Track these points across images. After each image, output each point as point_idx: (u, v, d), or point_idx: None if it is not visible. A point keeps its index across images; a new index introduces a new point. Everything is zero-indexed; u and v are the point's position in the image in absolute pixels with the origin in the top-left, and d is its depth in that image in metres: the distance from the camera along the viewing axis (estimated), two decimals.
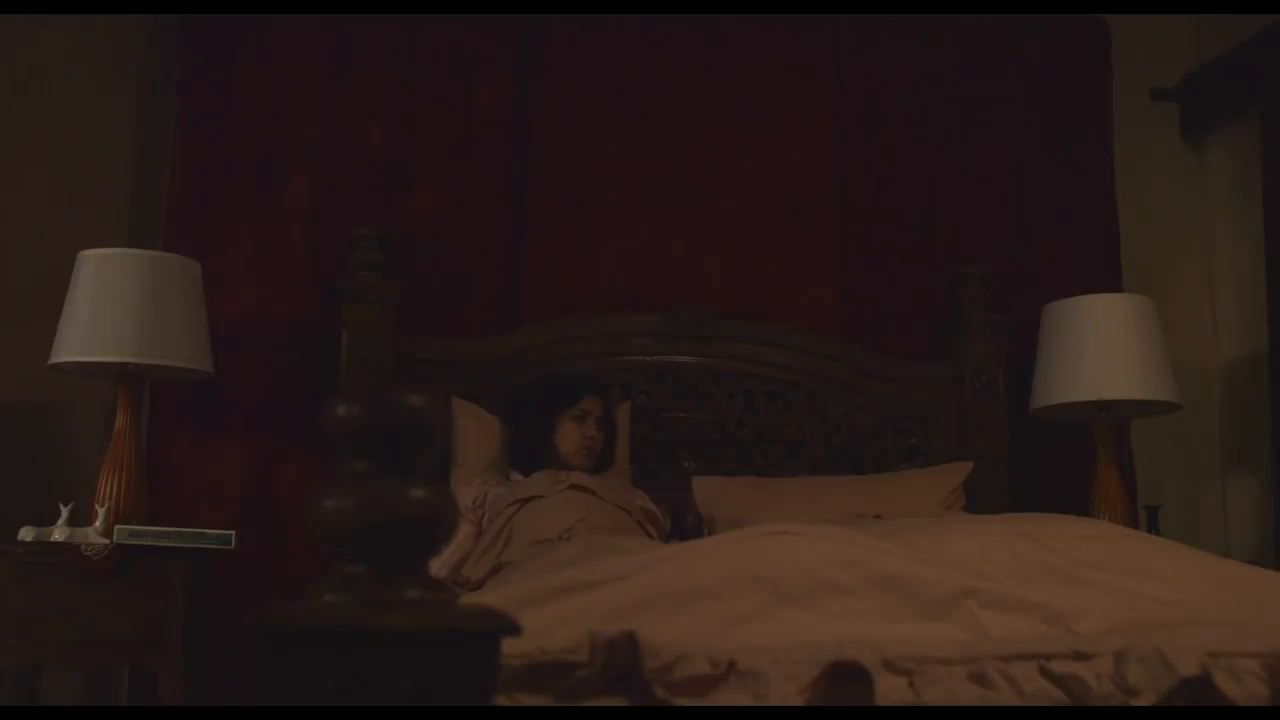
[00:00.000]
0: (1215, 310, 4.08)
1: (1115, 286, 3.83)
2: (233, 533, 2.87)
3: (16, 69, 3.50)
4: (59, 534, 2.85)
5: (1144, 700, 1.24)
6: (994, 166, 3.90)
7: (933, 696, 1.20)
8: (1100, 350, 3.42)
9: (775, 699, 1.17)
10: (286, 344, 3.43)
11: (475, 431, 3.31)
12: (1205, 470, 4.03)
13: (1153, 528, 3.51)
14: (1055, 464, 3.74)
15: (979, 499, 3.44)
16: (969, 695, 1.22)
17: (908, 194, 3.84)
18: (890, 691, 1.20)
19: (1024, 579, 1.87)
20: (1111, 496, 3.45)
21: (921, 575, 1.71)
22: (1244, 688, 1.36)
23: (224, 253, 3.41)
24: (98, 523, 2.88)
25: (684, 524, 3.30)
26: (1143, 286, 3.81)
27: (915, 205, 3.84)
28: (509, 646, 1.14)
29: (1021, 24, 3.97)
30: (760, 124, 3.77)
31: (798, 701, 1.17)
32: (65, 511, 2.89)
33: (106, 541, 2.83)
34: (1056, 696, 1.24)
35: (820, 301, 3.72)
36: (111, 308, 2.94)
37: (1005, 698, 1.23)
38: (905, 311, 3.78)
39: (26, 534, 2.85)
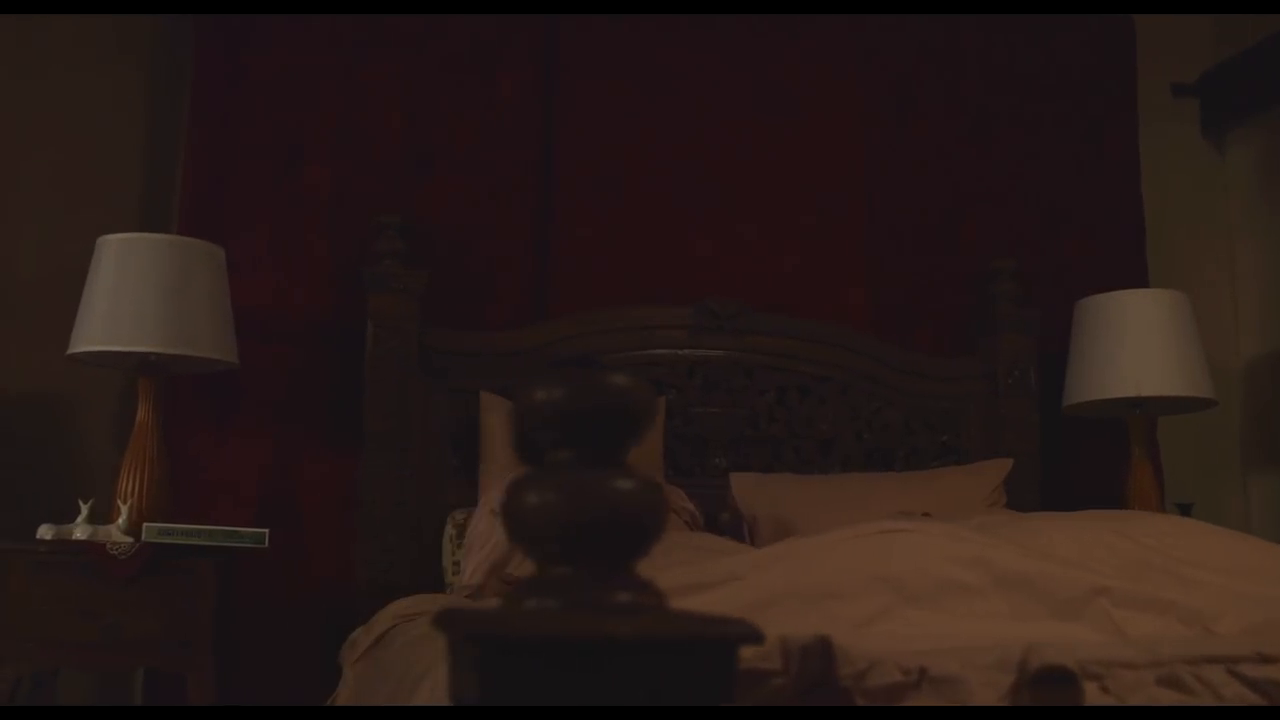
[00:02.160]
0: (1237, 307, 4.05)
1: (1142, 282, 3.80)
2: (266, 531, 2.75)
3: (24, 52, 3.36)
4: (80, 532, 2.72)
5: None
6: (1022, 162, 3.85)
7: (1136, 701, 1.13)
8: (1137, 346, 3.38)
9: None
10: (307, 335, 3.31)
11: (505, 426, 3.21)
12: (1227, 468, 4.01)
13: None
14: (1084, 461, 3.70)
15: (1011, 497, 3.38)
16: (1167, 700, 1.15)
17: (937, 189, 3.79)
18: (1089, 697, 1.13)
19: (1128, 578, 1.81)
20: (1146, 494, 3.41)
21: (1049, 573, 1.65)
22: None
23: (241, 241, 3.28)
24: (120, 520, 2.75)
25: (717, 522, 3.22)
26: (1164, 282, 3.77)
27: (944, 200, 3.79)
28: None
29: (1048, 21, 3.92)
30: (789, 117, 3.69)
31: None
32: (85, 509, 2.77)
33: (132, 540, 2.71)
34: (1254, 701, 1.18)
35: (850, 296, 3.65)
36: (134, 295, 2.82)
37: (1204, 702, 1.16)
38: (935, 307, 3.72)
39: (46, 532, 2.72)
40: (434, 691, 1.48)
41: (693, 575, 1.65)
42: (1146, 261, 3.89)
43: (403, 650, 2.18)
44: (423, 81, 3.49)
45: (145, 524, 2.68)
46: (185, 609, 2.69)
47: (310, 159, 3.38)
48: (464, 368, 3.30)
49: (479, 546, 3.00)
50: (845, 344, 3.53)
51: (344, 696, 2.58)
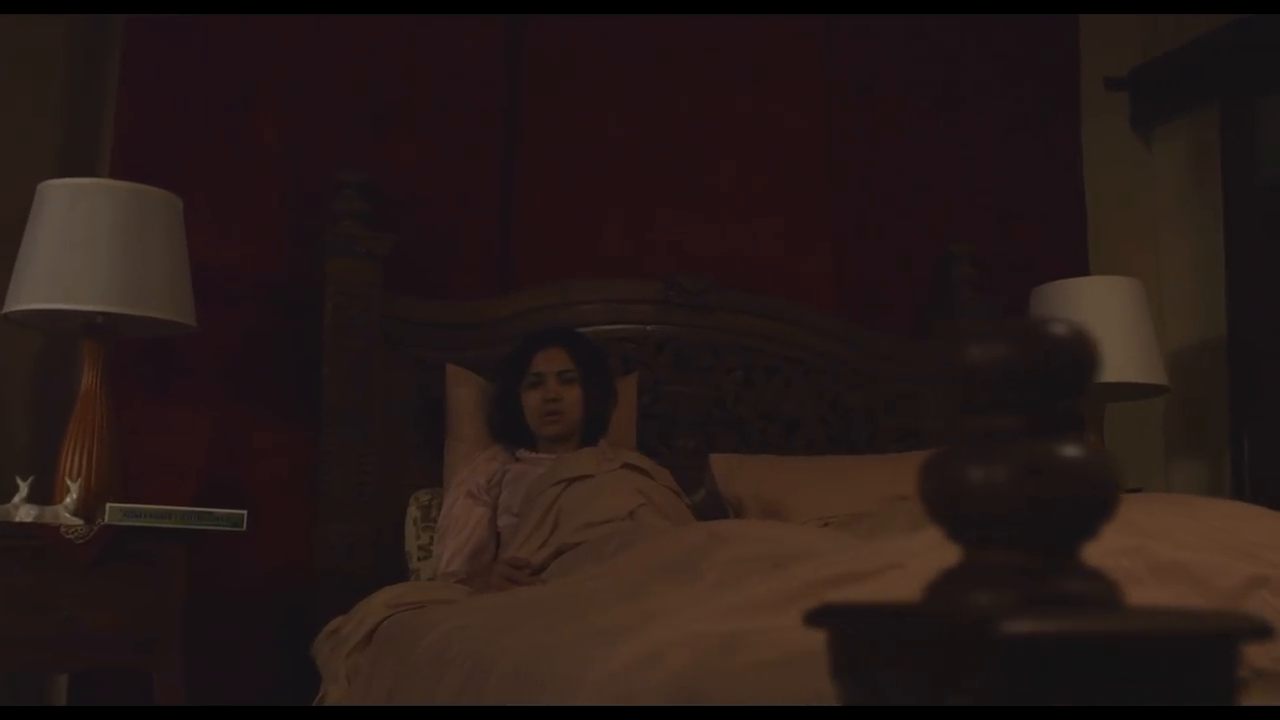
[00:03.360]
0: (1162, 299, 4.15)
1: (1082, 270, 3.85)
2: (244, 513, 2.49)
3: None
4: (24, 514, 2.41)
5: None
6: (976, 149, 3.85)
7: None
8: (1099, 333, 3.40)
9: None
10: (257, 300, 3.05)
11: (473, 401, 3.02)
12: (1150, 455, 4.10)
13: None
14: None
15: None
16: None
17: (900, 173, 3.75)
18: None
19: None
20: None
21: (1205, 562, 1.59)
22: None
23: (181, 194, 2.97)
24: (69, 500, 2.45)
25: (691, 504, 3.09)
26: (1096, 271, 3.83)
27: (906, 185, 3.75)
28: None
29: (1002, 15, 3.92)
30: (758, 96, 3.59)
31: None
32: (24, 487, 2.46)
33: (83, 522, 2.41)
34: None
35: (813, 277, 3.58)
36: (84, 249, 2.52)
37: None
38: (898, 290, 3.69)
39: None
40: (610, 687, 1.30)
41: (847, 564, 1.53)
42: (1088, 250, 3.95)
43: (443, 644, 1.98)
44: (383, 36, 3.25)
45: (108, 504, 2.39)
46: (151, 600, 2.41)
47: (263, 111, 3.11)
48: (429, 339, 3.10)
49: (455, 531, 2.81)
50: (813, 324, 3.46)
51: (336, 694, 2.36)
